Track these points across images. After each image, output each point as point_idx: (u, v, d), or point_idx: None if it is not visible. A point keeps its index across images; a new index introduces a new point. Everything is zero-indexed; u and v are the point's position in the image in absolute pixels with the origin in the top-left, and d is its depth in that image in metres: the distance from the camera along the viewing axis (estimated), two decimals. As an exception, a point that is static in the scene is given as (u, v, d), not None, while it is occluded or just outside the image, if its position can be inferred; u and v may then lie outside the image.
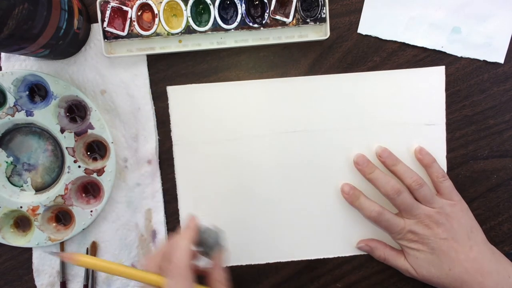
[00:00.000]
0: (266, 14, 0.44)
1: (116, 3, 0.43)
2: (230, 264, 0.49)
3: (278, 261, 0.49)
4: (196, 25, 0.44)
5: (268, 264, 0.49)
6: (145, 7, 0.44)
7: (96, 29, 0.46)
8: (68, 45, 0.43)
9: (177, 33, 0.44)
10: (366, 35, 0.46)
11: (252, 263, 0.49)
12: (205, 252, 0.38)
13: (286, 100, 0.47)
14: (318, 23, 0.44)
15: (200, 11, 0.45)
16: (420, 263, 0.43)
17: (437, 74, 0.47)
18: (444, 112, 0.47)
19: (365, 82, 0.47)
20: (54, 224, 0.48)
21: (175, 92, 0.47)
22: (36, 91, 0.46)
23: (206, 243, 0.37)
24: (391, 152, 0.46)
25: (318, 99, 0.47)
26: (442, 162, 0.48)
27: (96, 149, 0.47)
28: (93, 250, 0.48)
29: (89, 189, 0.48)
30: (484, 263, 0.42)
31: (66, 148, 0.46)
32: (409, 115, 0.47)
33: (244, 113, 0.47)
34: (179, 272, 0.33)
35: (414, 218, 0.43)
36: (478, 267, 0.41)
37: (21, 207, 0.46)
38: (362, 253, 0.49)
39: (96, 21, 0.45)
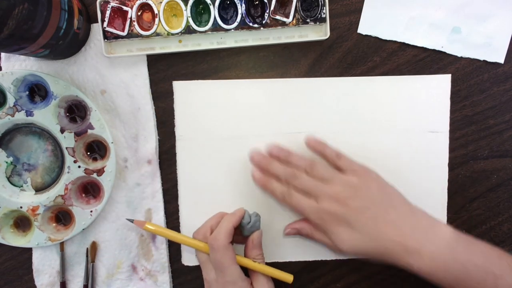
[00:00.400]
0: (266, 14, 0.44)
1: (116, 3, 0.43)
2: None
3: (278, 261, 0.49)
4: (196, 25, 0.44)
5: (268, 264, 0.49)
6: (145, 7, 0.44)
7: (96, 29, 0.46)
8: (68, 45, 0.43)
9: (177, 33, 0.44)
10: (366, 35, 0.46)
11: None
12: (245, 231, 0.44)
13: (291, 101, 0.47)
14: (318, 23, 0.44)
15: (200, 11, 0.45)
16: (343, 238, 0.42)
17: (443, 82, 0.47)
18: (448, 120, 0.47)
19: (369, 86, 0.47)
20: (54, 224, 0.48)
21: (181, 87, 0.47)
22: (36, 91, 0.46)
23: (245, 226, 0.44)
24: (281, 147, 0.45)
25: (323, 102, 0.47)
26: (444, 169, 0.47)
27: (96, 149, 0.47)
28: (93, 250, 0.48)
29: (89, 189, 0.48)
30: (403, 223, 0.41)
31: (66, 148, 0.46)
32: (413, 121, 0.47)
33: (248, 111, 0.47)
34: (220, 246, 0.40)
35: (324, 198, 0.42)
36: (397, 229, 0.40)
37: (21, 207, 0.46)
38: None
39: (96, 21, 0.45)
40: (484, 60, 0.47)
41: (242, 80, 0.47)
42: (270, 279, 0.44)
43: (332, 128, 0.47)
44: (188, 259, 0.49)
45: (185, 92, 0.47)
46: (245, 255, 0.44)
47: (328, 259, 0.49)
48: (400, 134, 0.47)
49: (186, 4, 0.43)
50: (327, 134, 0.47)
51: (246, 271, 0.43)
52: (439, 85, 0.47)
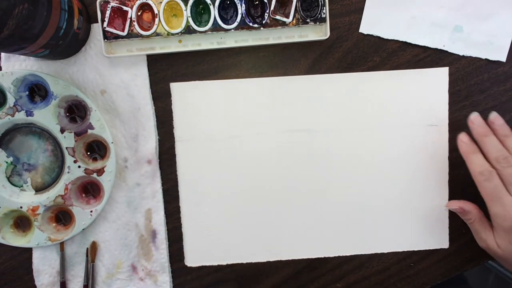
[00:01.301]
0: (266, 14, 0.44)
1: (116, 3, 0.43)
2: (231, 262, 0.49)
3: (279, 259, 0.49)
4: (196, 25, 0.44)
5: (268, 264, 0.49)
6: (145, 7, 0.44)
7: (96, 29, 0.46)
8: (68, 45, 0.43)
9: (177, 33, 0.44)
10: (367, 35, 0.46)
11: (253, 261, 0.49)
12: None
13: (291, 99, 0.47)
14: (318, 23, 0.44)
15: (200, 11, 0.45)
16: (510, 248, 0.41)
17: (440, 75, 0.47)
18: (447, 113, 0.47)
19: (368, 82, 0.47)
20: (54, 224, 0.48)
21: (178, 89, 0.47)
22: (36, 91, 0.46)
23: None
24: (504, 122, 0.43)
25: (321, 99, 0.47)
26: (444, 163, 0.48)
27: (96, 149, 0.47)
28: (93, 250, 0.48)
29: (89, 189, 0.48)
30: None
31: (66, 148, 0.46)
32: (412, 115, 0.47)
33: (246, 110, 0.47)
34: None
35: None
36: None
37: (21, 207, 0.46)
38: (362, 253, 0.49)
39: (96, 21, 0.45)
40: (485, 60, 0.47)
41: (241, 80, 0.47)
42: None
43: (331, 124, 0.47)
44: (192, 260, 0.49)
45: (183, 93, 0.47)
46: None
47: (328, 257, 0.49)
48: (400, 128, 0.47)
49: (186, 4, 0.43)
50: (327, 130, 0.47)
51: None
52: (437, 78, 0.47)
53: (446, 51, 0.47)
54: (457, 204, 0.45)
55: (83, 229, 0.47)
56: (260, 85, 0.47)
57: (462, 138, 0.44)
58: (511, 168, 0.40)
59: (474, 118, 0.44)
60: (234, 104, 0.47)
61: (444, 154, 0.48)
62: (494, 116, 0.44)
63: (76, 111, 0.47)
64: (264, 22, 0.44)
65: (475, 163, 0.42)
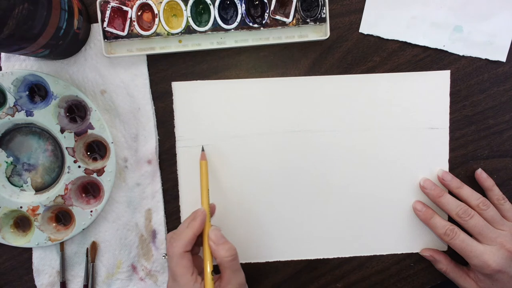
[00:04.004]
0: (266, 14, 0.44)
1: (116, 3, 0.43)
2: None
3: (278, 260, 0.49)
4: (196, 25, 0.44)
5: (268, 264, 0.49)
6: (145, 7, 0.44)
7: (96, 29, 0.46)
8: (68, 45, 0.43)
9: (177, 33, 0.44)
10: (367, 35, 0.46)
11: (252, 261, 0.49)
12: None
13: (291, 100, 0.47)
14: (318, 23, 0.44)
15: (200, 11, 0.45)
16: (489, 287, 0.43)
17: (442, 78, 0.47)
18: (448, 116, 0.47)
19: (369, 84, 0.47)
20: (54, 224, 0.48)
21: (180, 88, 0.47)
22: (36, 91, 0.46)
23: None
24: (453, 176, 0.46)
25: (323, 100, 0.47)
26: (445, 166, 0.48)
27: (96, 149, 0.47)
28: (93, 250, 0.48)
29: (89, 189, 0.48)
30: None
31: (66, 148, 0.46)
32: (413, 118, 0.47)
33: (248, 110, 0.47)
34: (174, 254, 0.38)
35: (492, 243, 0.43)
36: None
37: (21, 207, 0.46)
38: (361, 253, 0.49)
39: (96, 21, 0.45)
40: (485, 60, 0.47)
41: (242, 80, 0.47)
42: (238, 275, 0.39)
43: (332, 125, 0.47)
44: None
45: (185, 92, 0.47)
46: (215, 258, 0.39)
47: (328, 258, 0.49)
48: (400, 131, 0.47)
49: (186, 4, 0.43)
50: (327, 131, 0.47)
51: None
52: (439, 81, 0.47)
53: (446, 51, 0.47)
54: (428, 252, 0.48)
55: (83, 229, 0.47)
56: (261, 85, 0.47)
57: (417, 206, 0.47)
58: (473, 219, 0.43)
59: (424, 183, 0.46)
60: (235, 104, 0.47)
61: (444, 156, 0.48)
62: (442, 173, 0.46)
63: (76, 111, 0.47)
64: (264, 22, 0.44)
65: (437, 227, 0.45)
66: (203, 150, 0.46)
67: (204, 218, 0.41)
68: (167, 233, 0.48)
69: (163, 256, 0.43)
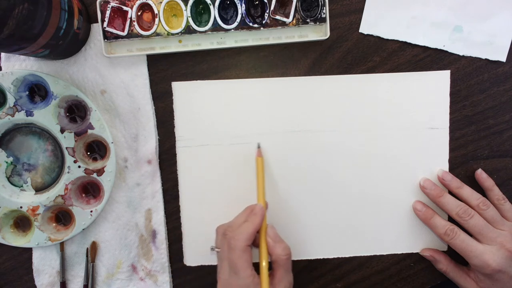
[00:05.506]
0: (266, 14, 0.44)
1: (116, 3, 0.43)
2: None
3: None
4: (196, 25, 0.44)
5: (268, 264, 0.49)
6: (145, 7, 0.44)
7: (96, 29, 0.46)
8: (68, 45, 0.43)
9: (177, 33, 0.44)
10: (367, 35, 0.46)
11: (252, 261, 0.49)
12: None
13: (291, 100, 0.47)
14: (318, 23, 0.44)
15: (200, 11, 0.45)
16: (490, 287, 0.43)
17: (442, 78, 0.47)
18: (448, 116, 0.47)
19: (369, 84, 0.47)
20: (54, 224, 0.48)
21: (180, 88, 0.47)
22: (36, 91, 0.46)
23: None
24: (453, 176, 0.46)
25: (323, 100, 0.47)
26: (445, 166, 0.48)
27: (96, 149, 0.47)
28: (93, 250, 0.48)
29: (89, 189, 0.48)
30: None
31: (66, 148, 0.46)
32: (413, 118, 0.47)
33: (248, 110, 0.47)
34: (237, 247, 0.39)
35: (492, 243, 0.43)
36: None
37: (21, 207, 0.46)
38: (361, 253, 0.49)
39: (96, 21, 0.45)
40: (485, 60, 0.47)
41: (242, 80, 0.47)
42: (289, 274, 0.41)
43: (332, 125, 0.47)
44: (191, 259, 0.49)
45: (185, 92, 0.47)
46: (271, 255, 0.41)
47: (328, 258, 0.49)
48: (399, 131, 0.47)
49: (186, 4, 0.43)
50: (327, 131, 0.47)
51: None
52: (439, 82, 0.47)
53: (446, 51, 0.47)
54: (428, 252, 0.48)
55: (83, 229, 0.47)
56: (261, 85, 0.47)
57: (417, 206, 0.47)
58: (474, 219, 0.43)
59: (424, 183, 0.46)
60: (235, 104, 0.47)
61: (444, 156, 0.48)
62: (442, 173, 0.46)
63: (76, 111, 0.47)
64: (264, 22, 0.44)
65: (437, 226, 0.45)
66: (259, 147, 0.46)
67: (263, 214, 0.41)
68: (167, 233, 0.48)
69: (212, 248, 0.42)
